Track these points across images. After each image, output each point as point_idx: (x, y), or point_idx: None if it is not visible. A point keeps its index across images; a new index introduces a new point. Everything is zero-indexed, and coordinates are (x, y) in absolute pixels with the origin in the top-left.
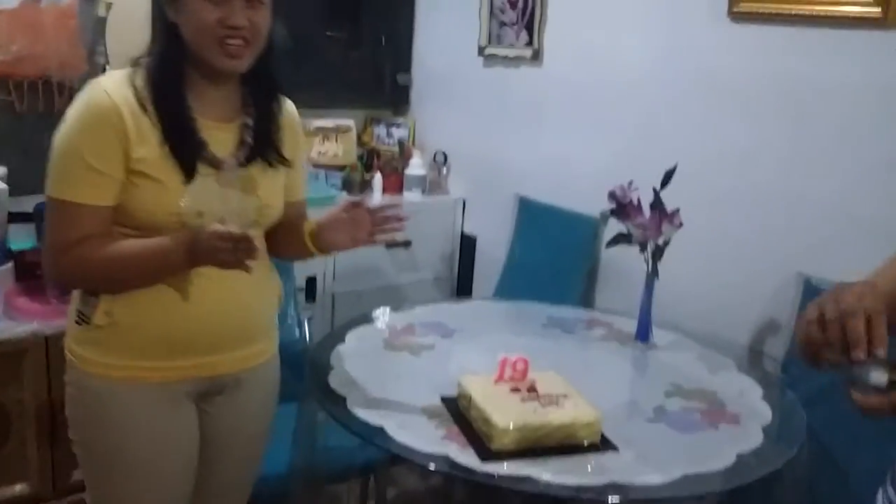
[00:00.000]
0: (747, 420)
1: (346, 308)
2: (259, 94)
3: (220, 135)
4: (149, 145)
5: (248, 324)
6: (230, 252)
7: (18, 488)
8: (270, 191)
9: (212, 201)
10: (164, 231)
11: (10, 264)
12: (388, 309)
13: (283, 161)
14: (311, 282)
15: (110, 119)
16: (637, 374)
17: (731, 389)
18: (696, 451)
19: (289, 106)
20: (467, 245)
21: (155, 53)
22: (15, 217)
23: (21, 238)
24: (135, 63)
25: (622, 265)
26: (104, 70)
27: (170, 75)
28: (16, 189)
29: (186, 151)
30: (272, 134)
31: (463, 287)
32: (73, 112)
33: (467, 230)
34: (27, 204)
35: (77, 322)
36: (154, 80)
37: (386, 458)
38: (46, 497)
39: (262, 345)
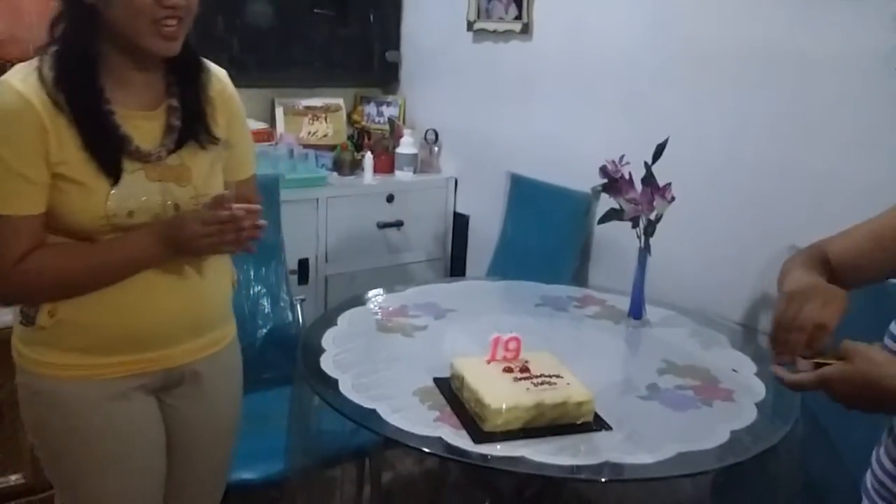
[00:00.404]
0: (741, 396)
1: (340, 290)
2: (184, 71)
3: (145, 124)
4: (68, 146)
5: (201, 314)
6: (217, 236)
7: (13, 479)
8: (206, 176)
9: (142, 198)
10: (94, 235)
11: None
12: (380, 290)
13: (215, 140)
14: (303, 264)
15: (27, 120)
16: (630, 352)
17: (724, 365)
18: (690, 428)
19: (218, 74)
20: (460, 224)
21: (63, 40)
22: None
23: None
24: (40, 51)
25: (615, 242)
26: None
27: (82, 66)
28: None
29: (108, 151)
30: (202, 112)
31: (456, 266)
32: None
33: (460, 209)
34: None
35: (22, 323)
36: (64, 72)
37: (380, 441)
38: (42, 488)
39: (218, 332)
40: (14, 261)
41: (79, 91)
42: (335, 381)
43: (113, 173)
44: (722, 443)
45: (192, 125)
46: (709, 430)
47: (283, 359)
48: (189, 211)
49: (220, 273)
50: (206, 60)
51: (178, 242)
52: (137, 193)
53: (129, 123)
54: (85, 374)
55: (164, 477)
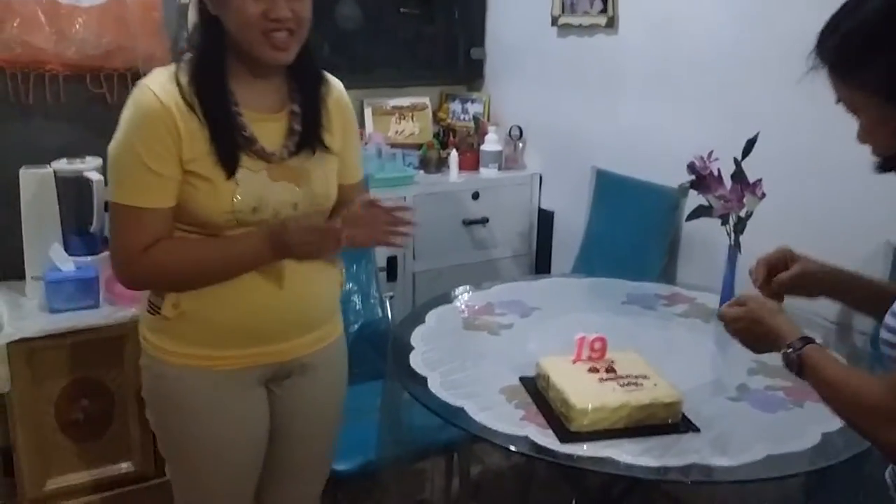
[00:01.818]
0: None
1: (427, 286)
2: (305, 80)
3: (269, 126)
4: (198, 145)
5: (313, 311)
6: (317, 244)
7: (124, 467)
8: (322, 179)
9: (265, 196)
10: (221, 228)
11: (106, 253)
12: (467, 288)
13: (328, 149)
14: (391, 261)
15: (163, 121)
16: (719, 352)
17: None
18: (780, 430)
19: (336, 85)
20: (545, 220)
21: (197, 49)
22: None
23: None
24: (178, 59)
25: (704, 238)
26: None
27: (213, 71)
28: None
29: (231, 149)
30: (321, 119)
31: (541, 263)
32: (126, 117)
33: (544, 205)
34: None
35: (149, 311)
36: (198, 76)
37: (468, 436)
38: (149, 475)
39: (327, 329)
40: (142, 248)
41: (209, 94)
42: (424, 379)
43: (230, 168)
44: (813, 445)
45: (312, 130)
46: (799, 432)
47: (373, 354)
48: (298, 216)
49: (328, 273)
50: (324, 71)
51: (284, 246)
52: (261, 191)
53: (254, 125)
54: (202, 363)
55: (261, 464)
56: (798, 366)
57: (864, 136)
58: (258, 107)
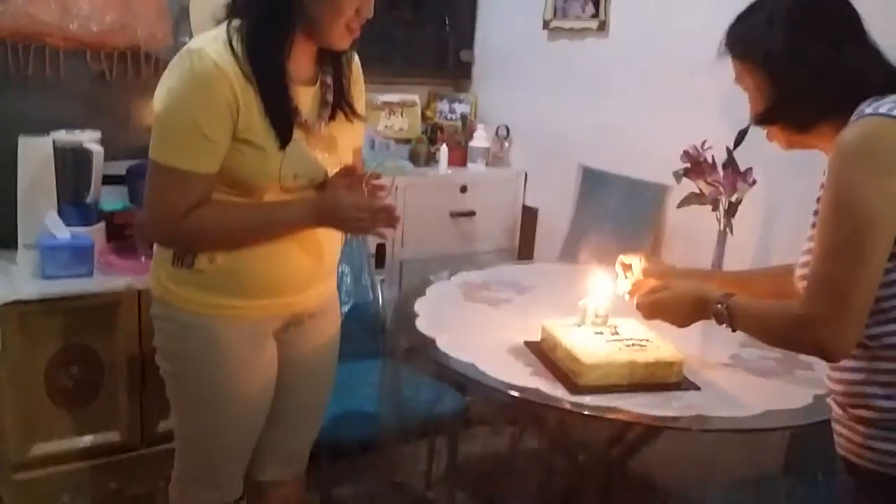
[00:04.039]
0: (821, 368)
1: (413, 274)
2: (336, 53)
3: (306, 96)
4: (252, 113)
5: (329, 262)
6: (368, 222)
7: (109, 436)
8: (346, 147)
9: (304, 164)
10: (260, 191)
11: (101, 224)
12: (461, 270)
13: (358, 115)
14: (380, 248)
15: (223, 90)
16: (710, 327)
17: None
18: (775, 391)
19: (355, 56)
20: (529, 216)
21: (259, 19)
22: (107, 179)
23: (113, 199)
24: (227, 23)
25: (690, 231)
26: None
27: (275, 42)
28: (108, 153)
29: (285, 119)
30: (348, 88)
31: (524, 257)
32: (183, 79)
33: (529, 202)
34: (119, 167)
35: (175, 265)
36: (259, 49)
37: (461, 413)
38: (135, 446)
39: (332, 280)
40: (185, 211)
41: (270, 67)
42: (433, 340)
43: (285, 139)
44: (807, 404)
45: (341, 101)
46: (793, 394)
47: (363, 334)
48: (346, 193)
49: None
50: None
51: (332, 220)
52: (301, 159)
53: (295, 95)
54: (228, 313)
55: (267, 412)
56: (728, 316)
57: (751, 106)
58: (297, 77)
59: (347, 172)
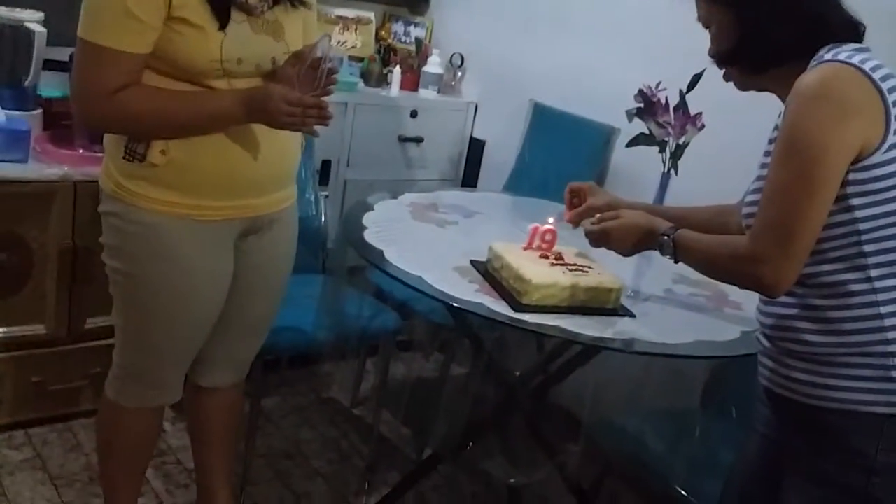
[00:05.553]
0: (749, 307)
1: (357, 195)
2: None
3: None
4: None
5: (287, 166)
6: (297, 117)
7: (34, 328)
8: (294, 35)
9: (247, 48)
10: (203, 76)
11: (39, 111)
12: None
13: (303, 2)
14: (325, 165)
15: None
16: (645, 263)
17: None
18: (705, 324)
19: None
20: (475, 148)
21: None
22: (49, 65)
23: (52, 86)
24: None
25: (632, 174)
26: None
27: None
28: (51, 37)
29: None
30: None
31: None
32: None
33: (477, 134)
34: (62, 53)
35: (126, 158)
36: None
37: (397, 331)
38: (61, 341)
39: (291, 189)
40: (110, 91)
41: None
42: (380, 252)
43: (223, 18)
44: (734, 338)
45: None
46: (722, 328)
47: (304, 249)
48: (278, 86)
49: (296, 133)
50: None
51: (261, 113)
52: (245, 42)
53: None
54: (183, 212)
55: (216, 320)
56: (672, 248)
57: (712, 45)
58: None
59: (297, 60)
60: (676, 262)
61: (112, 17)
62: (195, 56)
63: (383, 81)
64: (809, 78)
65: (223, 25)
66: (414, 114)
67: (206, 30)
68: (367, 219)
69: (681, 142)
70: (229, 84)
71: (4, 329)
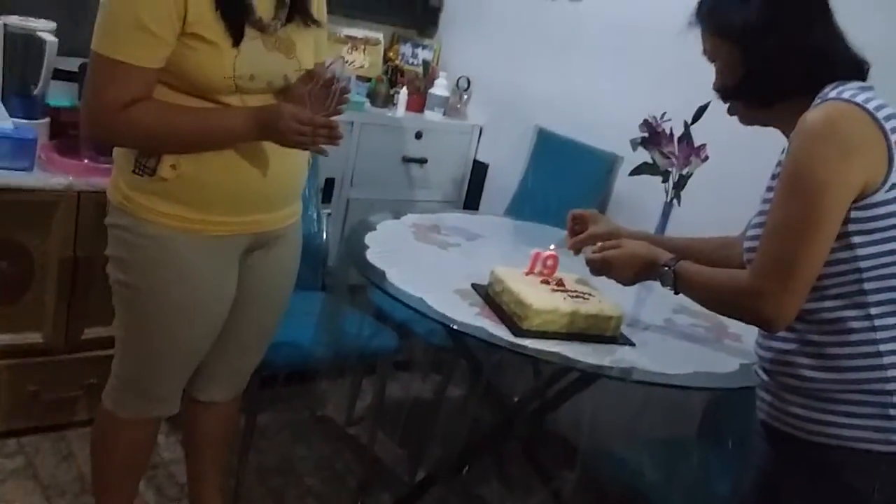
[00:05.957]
0: (749, 340)
1: (359, 214)
2: None
3: None
4: (204, 9)
5: (295, 183)
6: (308, 136)
7: (32, 336)
8: (305, 53)
9: (260, 64)
10: (216, 93)
11: (46, 119)
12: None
13: (315, 21)
14: (329, 183)
15: None
16: (646, 292)
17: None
18: (704, 356)
19: None
20: (478, 171)
21: None
22: (58, 74)
23: (61, 96)
24: None
25: (636, 200)
26: None
27: None
28: (61, 47)
29: (237, 12)
30: None
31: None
32: None
33: (480, 157)
34: (72, 63)
35: (136, 172)
36: None
37: (395, 351)
38: (58, 350)
39: (297, 205)
40: (121, 105)
41: None
42: (382, 272)
43: (237, 35)
44: (734, 370)
45: (299, 3)
46: (721, 360)
47: (305, 266)
48: (289, 105)
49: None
50: None
51: (272, 131)
52: (258, 59)
53: None
54: (191, 226)
55: (218, 334)
56: (673, 279)
57: (717, 79)
58: None
59: (309, 78)
60: (677, 293)
61: (126, 30)
62: (208, 72)
63: (389, 102)
64: (813, 116)
65: (237, 42)
66: (419, 135)
67: (219, 46)
68: (370, 238)
69: (684, 172)
70: (241, 100)
71: (1, 336)
